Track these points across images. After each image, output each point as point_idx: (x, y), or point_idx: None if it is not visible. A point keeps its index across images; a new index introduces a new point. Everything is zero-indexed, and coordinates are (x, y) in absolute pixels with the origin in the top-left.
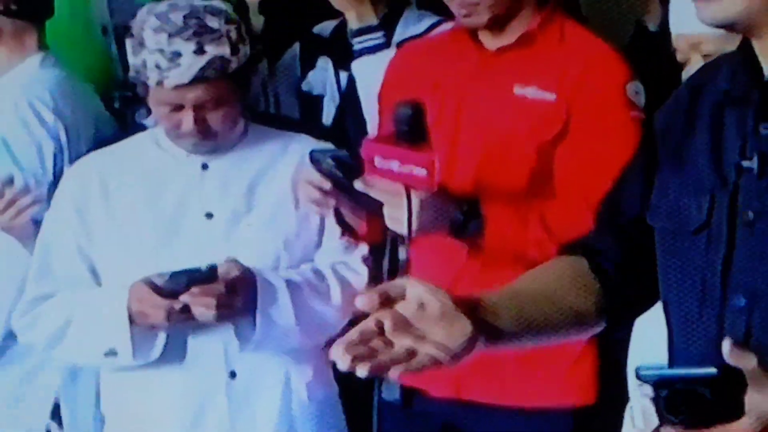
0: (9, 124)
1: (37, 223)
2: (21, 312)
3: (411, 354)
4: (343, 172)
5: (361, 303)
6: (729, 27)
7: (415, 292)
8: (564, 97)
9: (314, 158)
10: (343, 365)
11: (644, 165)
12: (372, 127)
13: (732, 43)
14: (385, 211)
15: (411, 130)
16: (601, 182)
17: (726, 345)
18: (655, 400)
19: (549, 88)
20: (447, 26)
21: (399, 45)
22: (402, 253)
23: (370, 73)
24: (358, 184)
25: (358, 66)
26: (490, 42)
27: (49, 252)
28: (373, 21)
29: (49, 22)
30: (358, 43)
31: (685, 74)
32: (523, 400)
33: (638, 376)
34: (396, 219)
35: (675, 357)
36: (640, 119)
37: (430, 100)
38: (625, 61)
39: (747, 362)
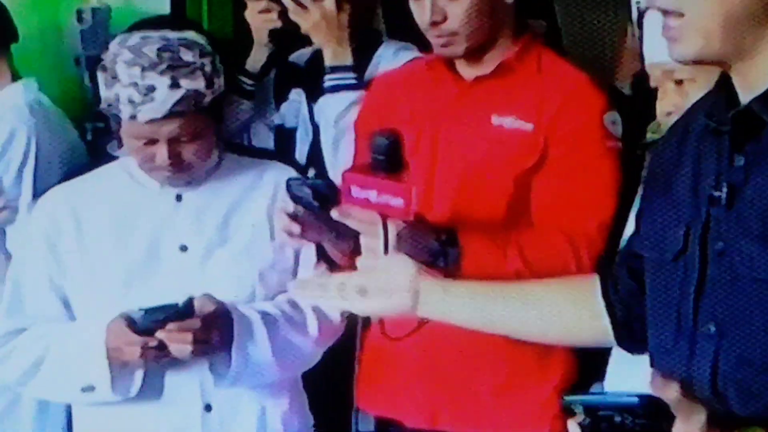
0: None
1: (3, 232)
2: None
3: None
4: (319, 201)
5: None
6: (698, 62)
7: (391, 258)
8: (541, 127)
9: (290, 187)
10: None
11: (643, 207)
12: (337, 160)
13: (705, 69)
14: (362, 240)
15: (388, 159)
16: (579, 212)
17: (651, 375)
18: (582, 426)
19: (527, 118)
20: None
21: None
22: None
23: (330, 111)
24: (334, 214)
25: (322, 102)
26: (468, 72)
27: (20, 285)
28: (348, 61)
29: (21, 53)
30: (329, 80)
31: (659, 103)
32: (498, 430)
33: (564, 403)
34: (373, 248)
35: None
36: (617, 149)
37: (407, 129)
38: (602, 92)
39: (669, 392)
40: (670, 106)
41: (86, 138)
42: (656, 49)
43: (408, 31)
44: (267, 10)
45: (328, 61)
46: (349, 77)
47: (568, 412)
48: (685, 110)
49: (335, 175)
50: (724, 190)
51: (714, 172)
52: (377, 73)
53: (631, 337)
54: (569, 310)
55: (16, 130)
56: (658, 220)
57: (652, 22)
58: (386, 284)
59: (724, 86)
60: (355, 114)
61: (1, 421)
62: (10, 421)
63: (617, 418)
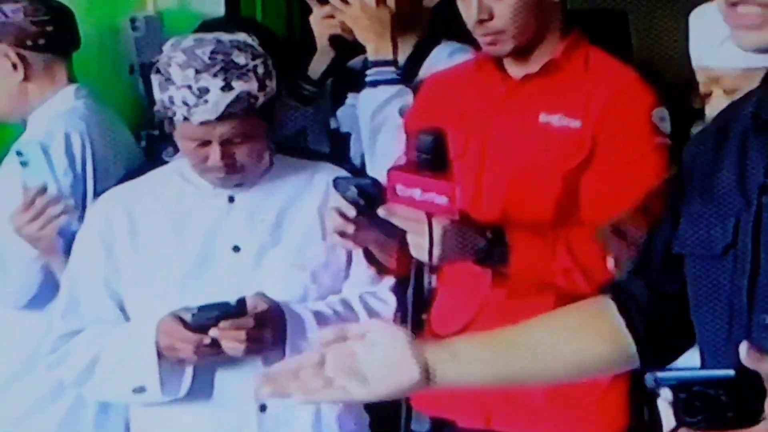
0: (48, 136)
1: (63, 236)
2: (50, 348)
3: (326, 384)
4: (366, 200)
5: (318, 337)
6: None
7: (374, 335)
8: (589, 125)
9: (338, 186)
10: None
11: (674, 206)
12: (374, 155)
13: (752, 81)
14: (409, 238)
15: (432, 158)
16: (628, 208)
17: (743, 348)
18: (674, 404)
19: (574, 116)
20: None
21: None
22: (427, 281)
23: (368, 105)
24: (381, 212)
25: (361, 96)
26: (515, 70)
27: (76, 287)
28: (389, 55)
29: (78, 60)
30: (369, 75)
31: (708, 107)
32: (552, 430)
33: (656, 380)
34: (419, 247)
35: None
36: (666, 145)
37: (455, 129)
38: (650, 88)
39: (764, 366)
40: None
41: (140, 145)
42: (703, 53)
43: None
44: (330, 16)
45: (370, 55)
46: (389, 71)
47: (653, 389)
48: (722, 109)
49: (374, 170)
50: None
51: (763, 164)
52: (429, 72)
53: (654, 350)
54: (581, 345)
55: (70, 134)
56: (700, 218)
57: (699, 24)
58: (386, 363)
59: None
60: (393, 109)
61: (64, 421)
62: (73, 421)
63: (711, 392)
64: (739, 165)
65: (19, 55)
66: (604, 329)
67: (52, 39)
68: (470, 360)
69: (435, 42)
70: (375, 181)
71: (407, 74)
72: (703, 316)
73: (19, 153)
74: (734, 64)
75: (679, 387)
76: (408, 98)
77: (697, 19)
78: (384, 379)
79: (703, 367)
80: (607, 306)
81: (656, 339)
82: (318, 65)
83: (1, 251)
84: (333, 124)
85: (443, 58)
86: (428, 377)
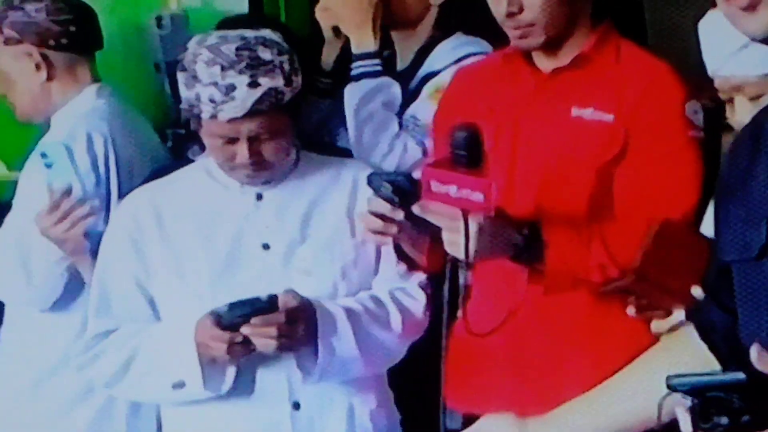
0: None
1: (89, 237)
2: (83, 349)
3: None
4: (399, 196)
5: None
6: None
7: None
8: (622, 118)
9: (372, 183)
10: None
11: (717, 219)
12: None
13: None
14: (444, 235)
15: (468, 154)
16: (662, 203)
17: (754, 350)
18: (691, 410)
19: (607, 109)
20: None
21: (424, 78)
22: (462, 278)
23: (351, 100)
24: (415, 209)
25: (345, 91)
26: (545, 64)
27: (106, 287)
28: (371, 47)
29: (104, 60)
30: (354, 68)
31: (730, 112)
32: None
33: (671, 386)
34: (454, 243)
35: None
36: (699, 139)
37: (486, 124)
38: (683, 81)
39: None
40: (744, 116)
41: (167, 144)
42: (718, 62)
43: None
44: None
45: (353, 48)
46: (372, 64)
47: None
48: (759, 111)
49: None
50: None
51: None
52: (430, 67)
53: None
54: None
55: (92, 135)
56: (737, 221)
57: (710, 34)
58: None
59: None
60: (377, 103)
61: (96, 421)
62: (105, 421)
63: (724, 397)
64: None
65: (42, 55)
66: (691, 362)
67: (75, 38)
68: (574, 422)
69: (446, 36)
70: (409, 177)
71: (413, 69)
72: (745, 322)
73: (43, 155)
74: (755, 72)
75: (693, 392)
76: (393, 90)
77: (708, 28)
78: None
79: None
80: (689, 334)
81: (741, 358)
82: (328, 56)
83: (25, 253)
84: None
85: (447, 50)
86: None
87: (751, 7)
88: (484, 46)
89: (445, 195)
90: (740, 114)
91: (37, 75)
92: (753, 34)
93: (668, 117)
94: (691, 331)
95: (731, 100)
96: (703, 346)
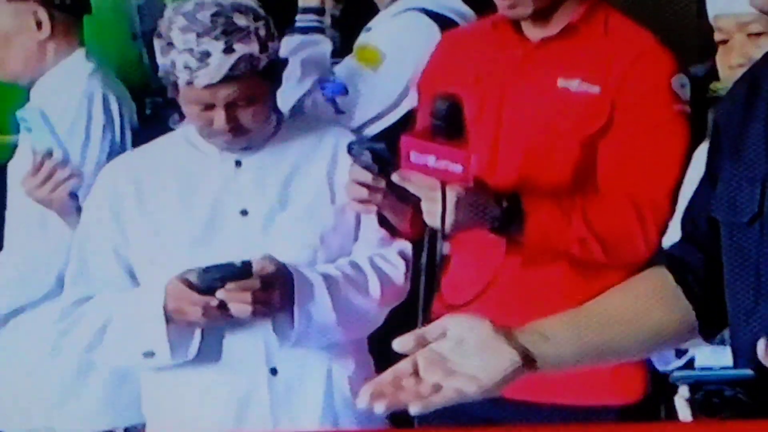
0: (52, 103)
1: (74, 196)
2: (60, 315)
3: (436, 389)
4: (379, 164)
5: (398, 346)
6: None
7: (456, 331)
8: (608, 90)
9: (352, 150)
10: (361, 403)
11: (711, 166)
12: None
13: None
14: (422, 205)
15: (447, 125)
16: (645, 177)
17: (761, 345)
18: (690, 402)
19: (593, 81)
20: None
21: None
22: (440, 249)
23: (283, 51)
24: (394, 178)
25: (282, 42)
26: (533, 33)
27: (85, 254)
28: (312, 3)
29: (86, 27)
30: (297, 21)
31: (719, 57)
32: (567, 398)
33: (673, 378)
34: (432, 213)
35: (735, 350)
36: (686, 113)
37: (471, 92)
38: (670, 54)
39: None
40: (741, 58)
41: (146, 112)
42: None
43: None
44: None
45: (299, 2)
46: (308, 20)
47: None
48: (750, 66)
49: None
50: None
51: None
52: (370, 29)
53: (712, 321)
54: (655, 313)
55: (108, 95)
56: (730, 181)
57: None
58: (482, 356)
59: None
60: (297, 58)
61: (78, 380)
62: (87, 381)
63: (728, 393)
64: (766, 129)
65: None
66: (668, 299)
67: (77, 1)
68: (561, 339)
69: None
70: (389, 146)
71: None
72: (731, 284)
73: (22, 119)
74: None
75: (696, 386)
76: (319, 48)
77: None
78: (486, 371)
79: (732, 339)
80: (665, 276)
81: (715, 304)
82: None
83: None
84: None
85: (391, 8)
86: (529, 361)
87: None
88: (432, 1)
89: (423, 165)
90: (735, 53)
91: (37, 34)
92: (757, 5)
93: (654, 90)
94: (667, 273)
95: (725, 42)
96: (679, 290)
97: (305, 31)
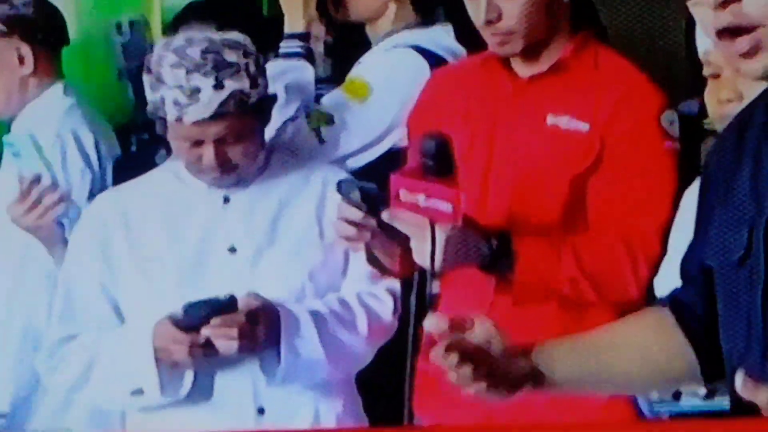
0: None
1: (60, 225)
2: (46, 354)
3: (471, 378)
4: (368, 203)
5: (431, 324)
6: None
7: (485, 328)
8: (597, 127)
9: (341, 189)
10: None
11: (701, 215)
12: None
13: None
14: (411, 244)
15: (437, 163)
16: (635, 215)
17: (739, 378)
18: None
19: (582, 118)
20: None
21: None
22: (430, 288)
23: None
24: (384, 216)
25: (269, 67)
26: (523, 69)
27: (71, 291)
28: (298, 29)
29: (68, 64)
30: (282, 47)
31: (708, 91)
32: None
33: (652, 412)
34: (421, 252)
35: (731, 392)
36: (675, 149)
37: (461, 128)
38: (659, 91)
39: (760, 396)
40: (731, 93)
41: (131, 149)
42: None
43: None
44: None
45: (285, 28)
46: (293, 45)
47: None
48: (741, 109)
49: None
50: None
51: None
52: (361, 62)
53: (712, 363)
54: (658, 349)
55: (79, 133)
56: (720, 224)
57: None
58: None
59: None
60: (281, 84)
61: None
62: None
63: None
64: (754, 171)
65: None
66: (668, 337)
67: (56, 33)
68: (566, 362)
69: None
70: (378, 184)
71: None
72: (725, 326)
73: (9, 144)
74: None
75: (675, 416)
76: (303, 74)
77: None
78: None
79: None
80: (665, 315)
81: (716, 348)
82: (291, 20)
83: None
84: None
85: (383, 42)
86: (537, 379)
87: (750, 53)
88: (423, 38)
89: (413, 204)
90: (725, 88)
91: (20, 69)
92: (753, 76)
93: (643, 127)
94: (668, 313)
95: (716, 77)
96: (680, 331)
97: (289, 56)
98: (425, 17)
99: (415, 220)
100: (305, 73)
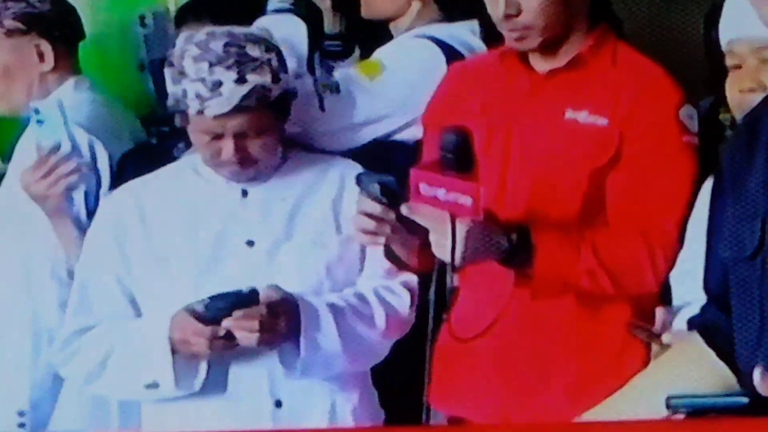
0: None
1: (70, 200)
2: (60, 345)
3: None
4: (388, 197)
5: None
6: None
7: None
8: (616, 122)
9: (360, 183)
10: None
11: (714, 210)
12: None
13: None
14: (431, 238)
15: (457, 157)
16: (654, 209)
17: (757, 374)
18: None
19: (601, 113)
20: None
21: None
22: (449, 281)
23: None
24: (403, 210)
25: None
26: (541, 65)
27: (87, 284)
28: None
29: (94, 56)
30: (270, 3)
31: (729, 82)
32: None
33: (670, 406)
34: (441, 246)
35: (744, 383)
36: (694, 144)
37: (478, 124)
38: (678, 86)
39: None
40: (752, 82)
41: (151, 141)
42: (741, 24)
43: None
44: None
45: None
46: (284, 2)
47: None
48: (757, 104)
49: None
50: None
51: None
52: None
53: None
54: (695, 379)
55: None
56: (733, 218)
57: None
58: None
59: None
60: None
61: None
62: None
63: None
64: (766, 163)
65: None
66: (701, 364)
67: (73, 29)
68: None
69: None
70: (397, 178)
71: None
72: (738, 318)
73: (36, 111)
74: None
75: (694, 414)
76: (291, 29)
77: None
78: None
79: (737, 373)
80: (696, 341)
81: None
82: (329, 20)
83: None
84: None
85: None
86: None
87: None
88: (443, 32)
89: (433, 198)
90: (747, 77)
91: (40, 66)
92: None
93: (662, 122)
94: (697, 338)
95: (737, 67)
96: (711, 352)
97: (278, 12)
98: (449, 15)
99: (436, 214)
100: (294, 28)
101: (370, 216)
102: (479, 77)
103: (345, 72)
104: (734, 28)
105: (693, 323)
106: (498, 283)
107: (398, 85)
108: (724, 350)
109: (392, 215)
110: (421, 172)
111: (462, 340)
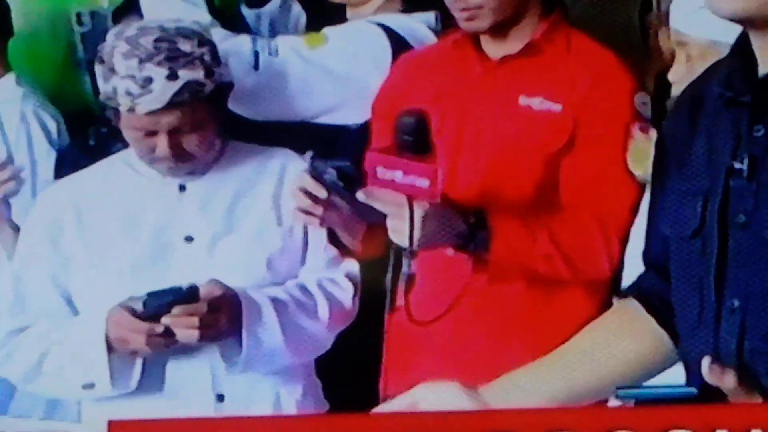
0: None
1: (6, 204)
2: None
3: None
4: (344, 181)
5: None
6: (743, 22)
7: (425, 401)
8: (570, 108)
9: (315, 168)
10: None
11: (655, 185)
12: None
13: (718, 55)
14: (388, 222)
15: (414, 140)
16: (608, 194)
17: (705, 364)
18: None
19: (555, 99)
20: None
21: None
22: (406, 267)
23: None
24: (360, 195)
25: None
26: (494, 51)
27: (22, 283)
28: None
29: (19, 53)
30: None
31: (672, 73)
32: None
33: (617, 396)
34: (399, 231)
35: (685, 365)
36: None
37: (431, 110)
38: (632, 72)
39: (726, 381)
40: (676, 75)
41: (89, 142)
42: (679, 15)
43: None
44: None
45: None
46: None
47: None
48: (694, 79)
49: None
50: (746, 161)
51: (731, 144)
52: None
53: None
54: (627, 344)
55: (42, 115)
56: (674, 195)
57: None
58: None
59: (741, 55)
60: None
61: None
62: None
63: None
64: (709, 143)
65: None
66: (639, 329)
67: (5, 26)
68: (527, 390)
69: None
70: (353, 163)
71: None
72: (678, 298)
73: None
74: (703, 35)
75: (641, 404)
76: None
77: None
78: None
79: (681, 354)
80: (634, 307)
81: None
82: None
83: None
84: None
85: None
86: None
87: None
88: (393, 21)
89: (390, 181)
90: (674, 68)
91: None
92: (722, 14)
93: (616, 108)
94: (635, 303)
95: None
96: (651, 319)
97: None
98: (410, 9)
99: (393, 197)
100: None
101: (307, 194)
102: (432, 64)
103: (288, 39)
104: (673, 17)
105: (630, 289)
106: (455, 268)
107: (338, 59)
108: (665, 317)
109: (324, 192)
110: (378, 155)
111: (419, 323)
